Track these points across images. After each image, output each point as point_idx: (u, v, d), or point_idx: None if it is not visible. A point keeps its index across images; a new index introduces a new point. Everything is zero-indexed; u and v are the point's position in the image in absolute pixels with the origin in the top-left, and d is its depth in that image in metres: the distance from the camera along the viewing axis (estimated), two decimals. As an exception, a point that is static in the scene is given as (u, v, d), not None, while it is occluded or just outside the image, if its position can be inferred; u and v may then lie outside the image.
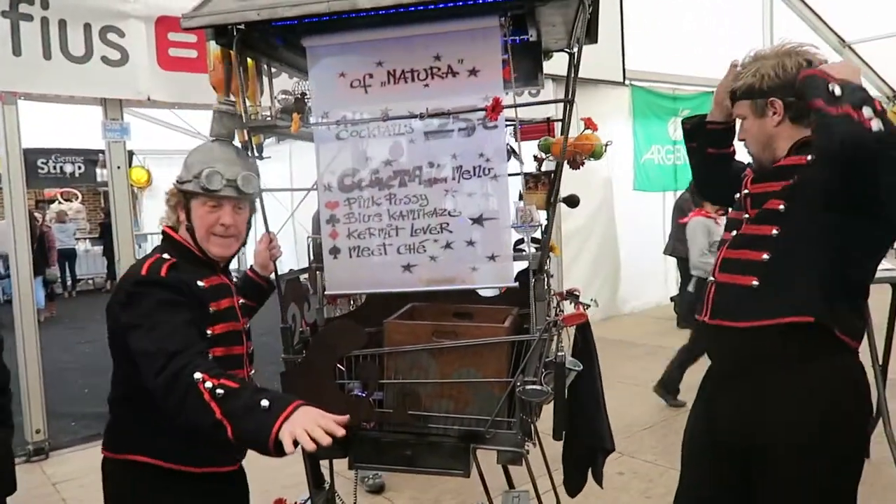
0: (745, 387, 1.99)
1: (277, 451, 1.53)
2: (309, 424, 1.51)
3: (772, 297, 1.88)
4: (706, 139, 2.33)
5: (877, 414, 3.62)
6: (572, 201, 3.04)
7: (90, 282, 13.58)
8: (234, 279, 2.20)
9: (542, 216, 2.61)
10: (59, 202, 14.11)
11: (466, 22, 2.15)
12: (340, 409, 2.32)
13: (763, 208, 1.98)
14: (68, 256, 12.57)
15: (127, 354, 1.77)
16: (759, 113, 1.98)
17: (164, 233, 2.03)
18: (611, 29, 7.29)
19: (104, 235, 12.01)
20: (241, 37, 2.18)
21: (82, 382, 6.58)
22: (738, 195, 2.17)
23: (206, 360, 1.70)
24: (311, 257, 2.60)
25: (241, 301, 2.13)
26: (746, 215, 2.03)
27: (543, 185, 2.69)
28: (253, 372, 2.22)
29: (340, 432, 1.52)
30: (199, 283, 1.88)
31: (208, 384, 1.58)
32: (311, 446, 1.48)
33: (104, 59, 4.81)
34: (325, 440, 1.48)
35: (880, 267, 3.73)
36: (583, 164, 3.07)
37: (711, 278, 2.08)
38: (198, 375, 1.59)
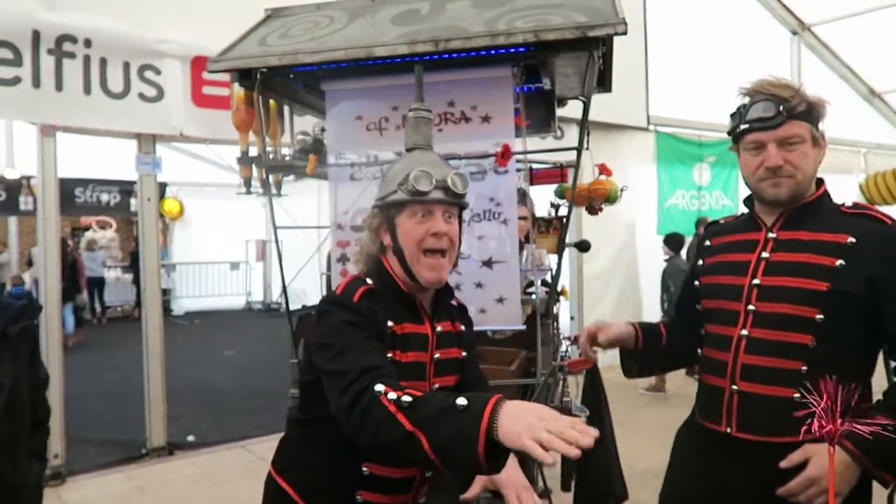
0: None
1: (490, 460, 1.21)
2: (552, 425, 1.15)
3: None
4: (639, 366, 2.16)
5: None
6: (584, 246, 3.07)
7: (119, 309, 13.84)
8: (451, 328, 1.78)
9: (554, 260, 2.64)
10: (94, 230, 14.49)
11: (480, 71, 2.22)
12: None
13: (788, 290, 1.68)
14: (97, 284, 12.85)
15: (315, 375, 1.60)
16: (814, 142, 1.72)
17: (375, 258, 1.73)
18: (635, 75, 7.37)
19: (134, 264, 12.27)
20: (264, 80, 2.28)
21: (104, 409, 6.67)
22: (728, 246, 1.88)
23: (394, 378, 1.44)
24: (325, 294, 2.65)
25: (440, 357, 1.71)
26: (757, 282, 1.74)
27: (555, 230, 2.73)
28: None
29: (588, 441, 1.14)
30: (388, 324, 1.60)
31: (392, 395, 1.34)
32: (550, 458, 1.14)
33: (141, 96, 5.00)
34: (573, 451, 1.12)
35: None
36: (601, 209, 3.11)
37: (735, 387, 1.75)
38: (379, 387, 1.37)
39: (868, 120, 11.40)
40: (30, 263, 10.83)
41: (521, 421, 1.17)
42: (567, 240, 2.51)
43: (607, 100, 3.02)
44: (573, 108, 3.03)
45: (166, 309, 10.27)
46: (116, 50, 4.88)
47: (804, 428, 1.31)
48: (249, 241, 14.42)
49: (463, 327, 1.80)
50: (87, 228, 14.59)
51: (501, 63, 2.20)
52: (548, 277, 2.49)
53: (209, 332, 11.71)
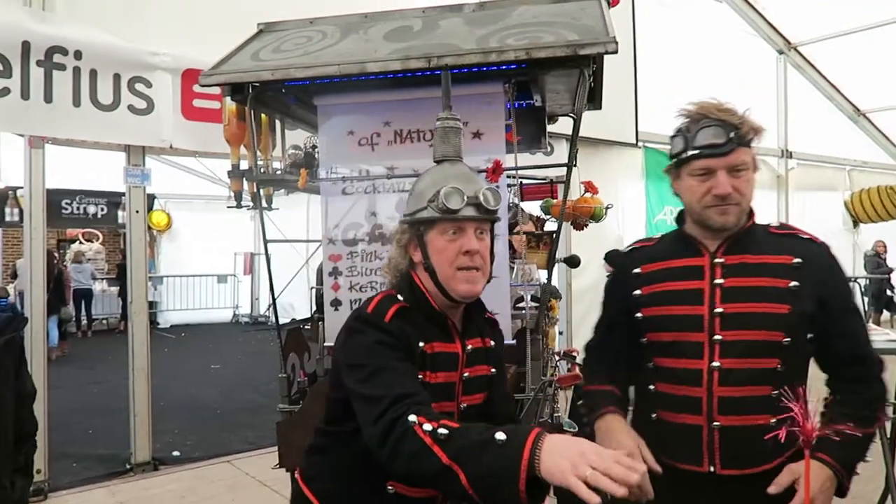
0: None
1: (531, 497, 1.19)
2: (597, 461, 1.13)
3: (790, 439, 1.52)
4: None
5: (885, 491, 3.52)
6: (573, 262, 3.08)
7: (105, 322, 13.69)
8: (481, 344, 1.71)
9: (543, 275, 2.64)
10: (81, 242, 14.37)
11: (472, 87, 2.24)
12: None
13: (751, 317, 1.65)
14: (84, 296, 12.73)
15: (342, 391, 1.55)
16: (754, 167, 1.71)
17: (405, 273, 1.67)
18: (624, 91, 7.44)
19: (121, 276, 12.17)
20: (256, 94, 2.28)
21: (88, 423, 6.57)
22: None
23: (428, 406, 1.40)
24: (314, 308, 2.64)
25: (469, 375, 1.65)
26: (720, 310, 1.67)
27: (545, 245, 2.74)
28: None
29: (635, 478, 1.12)
30: (420, 345, 1.55)
31: (427, 426, 1.29)
32: (596, 497, 1.10)
33: (131, 108, 4.99)
34: (619, 490, 1.11)
35: (887, 338, 3.72)
36: (586, 225, 3.12)
37: (715, 423, 1.66)
38: (413, 418, 1.32)
39: (853, 138, 11.56)
40: (14, 276, 10.71)
41: (563, 457, 1.15)
42: (557, 255, 2.52)
43: (596, 116, 3.04)
44: (563, 125, 3.05)
45: (152, 322, 10.17)
46: (107, 62, 4.87)
47: (781, 431, 1.37)
48: (238, 253, 14.36)
49: (493, 342, 1.73)
50: (73, 240, 14.47)
51: (493, 80, 2.22)
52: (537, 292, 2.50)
53: (196, 346, 11.61)
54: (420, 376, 1.51)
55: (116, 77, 4.92)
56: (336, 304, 2.38)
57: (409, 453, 1.30)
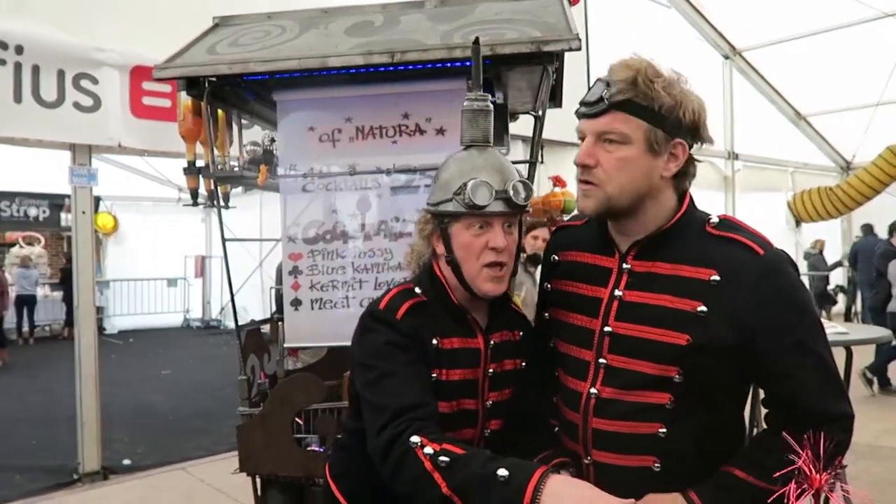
0: None
1: None
2: None
3: (677, 481, 1.34)
4: None
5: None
6: (536, 259, 3.10)
7: (47, 328, 13.20)
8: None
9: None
10: (21, 246, 13.81)
11: (435, 83, 2.23)
12: (296, 464, 2.29)
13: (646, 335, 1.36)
14: (28, 302, 12.24)
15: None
16: (649, 147, 1.34)
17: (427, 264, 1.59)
18: (577, 93, 7.52)
19: (65, 281, 11.74)
20: (213, 89, 2.22)
21: (32, 433, 6.31)
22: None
23: (431, 421, 1.36)
24: (274, 308, 2.59)
25: (494, 370, 1.55)
26: (609, 329, 1.40)
27: (508, 243, 2.74)
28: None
29: None
30: (434, 342, 1.48)
31: (428, 450, 1.26)
32: None
33: (76, 105, 4.81)
34: None
35: (834, 330, 3.85)
36: (560, 220, 3.15)
37: (588, 459, 1.43)
38: (415, 439, 1.28)
39: (795, 141, 12.00)
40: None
41: (562, 499, 1.13)
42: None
43: (550, 117, 3.06)
44: (517, 126, 3.06)
45: (99, 328, 9.83)
46: (50, 57, 4.69)
47: (790, 487, 1.12)
48: (188, 256, 14.02)
49: (522, 334, 1.62)
50: (13, 244, 13.90)
51: (456, 76, 2.21)
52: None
53: (145, 352, 11.27)
54: (434, 375, 1.46)
55: (61, 73, 4.74)
56: (296, 303, 2.33)
57: (409, 476, 1.28)
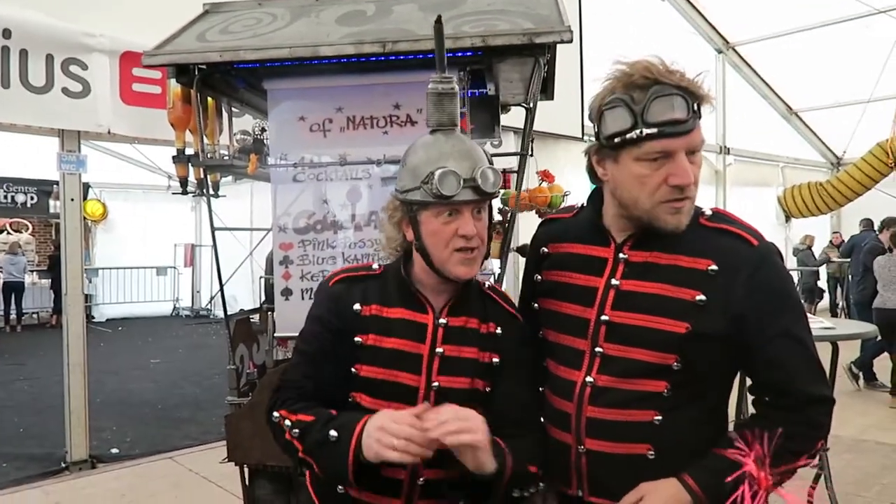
0: None
1: (359, 485, 1.40)
2: (395, 429, 1.31)
3: (670, 467, 1.36)
4: None
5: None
6: (524, 251, 3.10)
7: (35, 316, 13.12)
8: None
9: (496, 265, 2.65)
10: (8, 233, 13.69)
11: (426, 74, 2.20)
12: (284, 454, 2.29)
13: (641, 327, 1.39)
14: (15, 289, 12.16)
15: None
16: None
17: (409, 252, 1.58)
18: (570, 85, 7.53)
19: (53, 268, 11.67)
20: (203, 77, 2.20)
21: (19, 421, 6.29)
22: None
23: (300, 393, 1.51)
24: (263, 298, 2.58)
25: (445, 352, 1.51)
26: (606, 317, 1.42)
27: (498, 234, 2.74)
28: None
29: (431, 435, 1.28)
30: (355, 307, 1.51)
31: (287, 421, 1.46)
32: (401, 456, 1.29)
33: (65, 91, 4.76)
34: (426, 452, 1.30)
35: (821, 326, 3.88)
36: (547, 214, 3.15)
37: (581, 447, 1.43)
38: (276, 414, 1.49)
39: (786, 136, 12.06)
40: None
41: (370, 437, 1.32)
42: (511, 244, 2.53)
43: (543, 109, 3.06)
44: (509, 117, 3.06)
45: (87, 316, 9.78)
46: (39, 42, 4.64)
47: (744, 489, 1.17)
48: (178, 245, 13.96)
49: (499, 330, 1.56)
50: (0, 231, 13.79)
51: (448, 67, 2.19)
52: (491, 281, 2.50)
53: (134, 340, 11.24)
54: (359, 339, 1.50)
55: (49, 58, 4.69)
56: (287, 293, 2.32)
57: (281, 444, 1.49)
